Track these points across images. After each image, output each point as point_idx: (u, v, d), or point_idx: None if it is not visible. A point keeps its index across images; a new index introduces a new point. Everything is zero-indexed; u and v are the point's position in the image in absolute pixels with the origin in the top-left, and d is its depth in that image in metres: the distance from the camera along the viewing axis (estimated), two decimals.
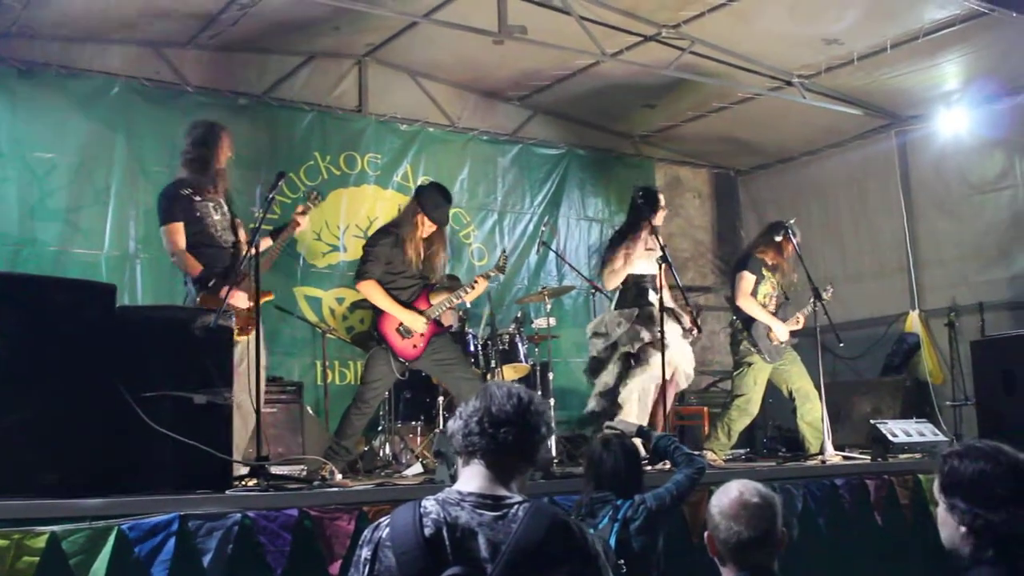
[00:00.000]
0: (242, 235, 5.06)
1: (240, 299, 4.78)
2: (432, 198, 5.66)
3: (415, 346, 5.58)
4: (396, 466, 6.12)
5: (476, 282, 5.71)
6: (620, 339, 6.06)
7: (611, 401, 6.03)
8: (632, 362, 6.02)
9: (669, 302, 6.15)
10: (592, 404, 6.13)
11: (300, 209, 5.13)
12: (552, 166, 9.06)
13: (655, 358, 5.84)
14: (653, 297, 6.09)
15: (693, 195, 10.09)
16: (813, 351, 6.21)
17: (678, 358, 6.06)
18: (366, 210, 7.97)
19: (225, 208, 5.01)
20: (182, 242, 4.80)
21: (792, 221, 6.51)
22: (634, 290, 6.18)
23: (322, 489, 4.25)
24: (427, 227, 5.60)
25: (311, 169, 7.81)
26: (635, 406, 5.92)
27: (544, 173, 9.02)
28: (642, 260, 6.16)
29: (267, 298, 4.91)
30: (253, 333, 4.56)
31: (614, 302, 6.34)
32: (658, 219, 6.19)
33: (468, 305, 6.53)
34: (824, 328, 6.22)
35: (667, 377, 5.82)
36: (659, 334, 5.79)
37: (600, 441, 3.77)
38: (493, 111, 8.82)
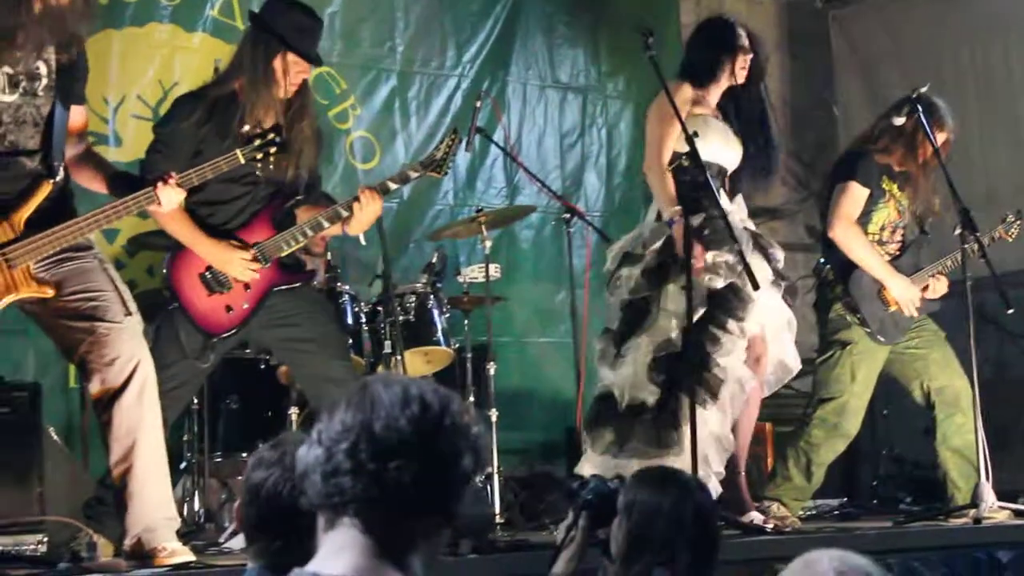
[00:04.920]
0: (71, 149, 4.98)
1: None
2: (292, 18, 5.54)
3: (230, 308, 5.44)
4: (212, 531, 6.16)
5: (357, 201, 5.49)
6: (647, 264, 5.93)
7: (670, 378, 5.80)
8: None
9: (748, 221, 6.10)
10: (638, 390, 5.88)
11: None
12: None
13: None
14: (727, 204, 5.92)
15: None
16: (960, 322, 6.22)
17: (764, 320, 5.92)
18: (155, 69, 7.89)
19: (43, 81, 4.84)
20: None
21: (922, 93, 6.48)
22: (689, 184, 5.91)
23: None
24: (297, 74, 5.54)
25: None
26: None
27: (481, 3, 9.05)
28: (710, 136, 5.95)
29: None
30: None
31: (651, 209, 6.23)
32: (735, 71, 6.14)
33: (321, 251, 6.42)
34: (980, 282, 6.21)
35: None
36: (741, 269, 5.69)
37: (638, 479, 3.73)
38: None
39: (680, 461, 5.51)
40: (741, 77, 6.19)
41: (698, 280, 5.78)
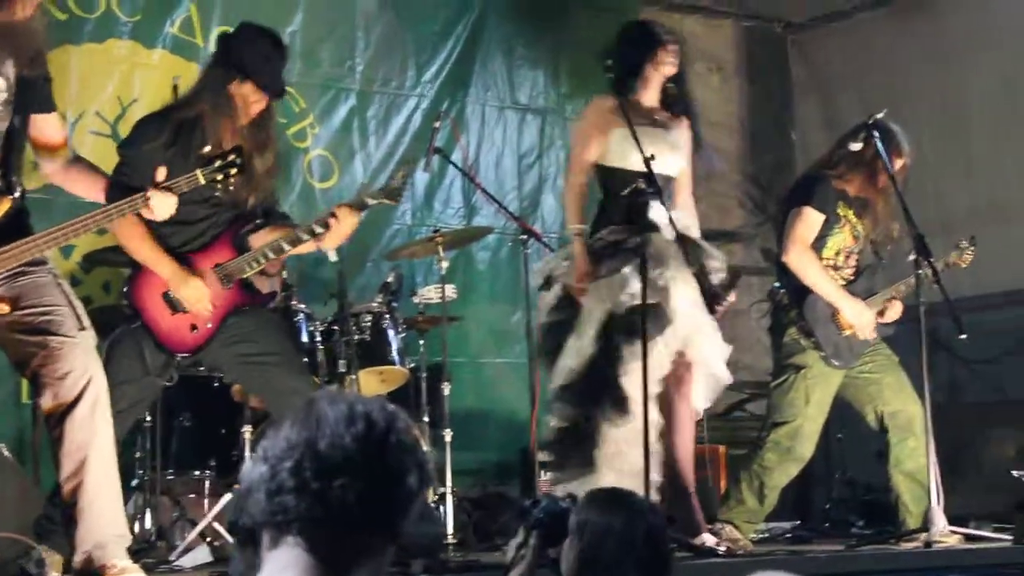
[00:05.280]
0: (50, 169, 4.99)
1: None
2: (256, 47, 5.55)
3: (194, 327, 5.46)
4: (164, 549, 6.12)
5: (334, 217, 5.46)
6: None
7: (580, 402, 5.92)
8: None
9: (693, 229, 6.16)
10: (555, 416, 6.09)
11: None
12: (455, 12, 9.08)
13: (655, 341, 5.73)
14: (660, 216, 5.93)
15: (709, 68, 10.13)
16: (913, 347, 6.23)
17: (692, 333, 5.96)
18: (114, 86, 7.89)
19: (2, 96, 4.82)
20: None
21: (878, 119, 6.50)
22: (621, 199, 5.96)
23: None
24: (254, 104, 5.53)
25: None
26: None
27: (442, 24, 9.04)
28: (630, 145, 5.91)
29: None
30: None
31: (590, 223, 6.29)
32: (662, 63, 6.15)
33: (276, 271, 6.41)
34: (934, 307, 6.22)
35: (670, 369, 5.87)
36: (662, 283, 5.77)
37: (589, 499, 3.72)
38: None
39: (603, 479, 5.60)
40: (671, 69, 6.20)
41: (593, 302, 5.92)
